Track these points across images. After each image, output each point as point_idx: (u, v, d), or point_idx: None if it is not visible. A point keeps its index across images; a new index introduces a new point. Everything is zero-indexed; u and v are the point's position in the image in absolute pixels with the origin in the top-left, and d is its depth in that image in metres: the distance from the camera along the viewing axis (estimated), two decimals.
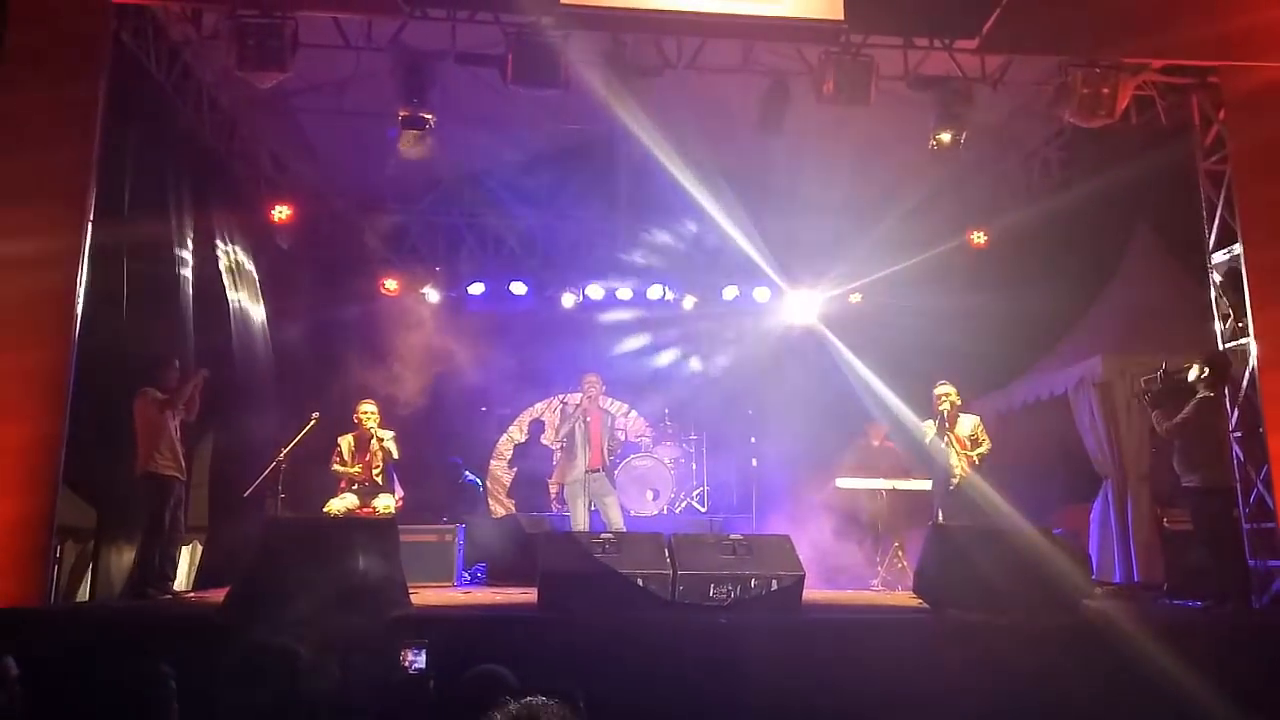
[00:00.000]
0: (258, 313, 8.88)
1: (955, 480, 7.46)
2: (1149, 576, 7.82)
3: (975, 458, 7.49)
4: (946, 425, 7.53)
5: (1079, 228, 9.32)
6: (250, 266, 8.88)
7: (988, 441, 7.64)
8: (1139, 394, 7.53)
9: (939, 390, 7.66)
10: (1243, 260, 6.72)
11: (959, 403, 7.64)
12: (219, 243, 8.18)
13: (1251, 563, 6.45)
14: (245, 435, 7.99)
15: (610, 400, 12.11)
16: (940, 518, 7.49)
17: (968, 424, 7.64)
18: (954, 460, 7.47)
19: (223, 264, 8.20)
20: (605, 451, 8.04)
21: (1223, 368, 6.55)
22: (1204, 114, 7.21)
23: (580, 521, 7.88)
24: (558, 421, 8.43)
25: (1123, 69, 6.75)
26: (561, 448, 8.24)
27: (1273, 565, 6.35)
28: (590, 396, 8.17)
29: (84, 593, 6.41)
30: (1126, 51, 6.74)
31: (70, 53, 5.82)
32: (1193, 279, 8.10)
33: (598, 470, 7.98)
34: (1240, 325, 6.82)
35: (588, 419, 8.06)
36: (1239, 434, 6.66)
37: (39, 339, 5.59)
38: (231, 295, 8.26)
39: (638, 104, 7.29)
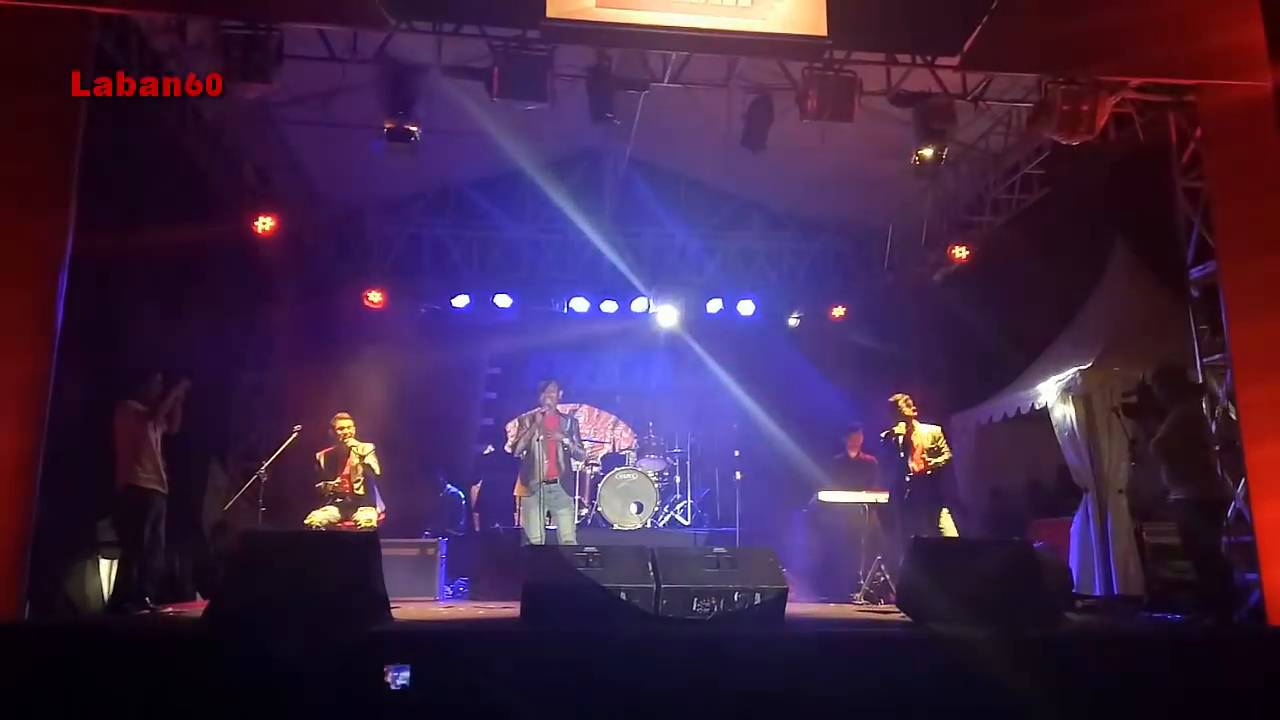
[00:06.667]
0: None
1: (907, 488, 7.67)
2: (1128, 589, 7.88)
3: (930, 464, 7.68)
4: (908, 433, 7.77)
5: (1059, 243, 9.41)
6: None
7: (948, 451, 7.87)
8: (1117, 409, 7.61)
9: (901, 400, 7.91)
10: (1219, 276, 6.80)
11: (915, 412, 7.88)
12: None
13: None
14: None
15: (597, 411, 12.15)
16: (899, 527, 7.63)
17: (927, 433, 7.82)
18: (912, 466, 7.69)
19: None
20: (561, 461, 7.82)
21: (1177, 378, 6.62)
22: (1181, 132, 7.29)
23: (535, 535, 7.69)
24: (516, 431, 8.21)
25: (1101, 87, 6.83)
26: (521, 459, 7.92)
27: (1250, 578, 6.40)
28: (547, 405, 7.95)
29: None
30: (1105, 70, 6.81)
31: (51, 63, 5.76)
32: (1171, 294, 8.19)
33: (554, 481, 7.77)
34: (1218, 340, 6.90)
35: (545, 429, 7.86)
36: (1217, 448, 6.72)
37: (18, 350, 5.52)
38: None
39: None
